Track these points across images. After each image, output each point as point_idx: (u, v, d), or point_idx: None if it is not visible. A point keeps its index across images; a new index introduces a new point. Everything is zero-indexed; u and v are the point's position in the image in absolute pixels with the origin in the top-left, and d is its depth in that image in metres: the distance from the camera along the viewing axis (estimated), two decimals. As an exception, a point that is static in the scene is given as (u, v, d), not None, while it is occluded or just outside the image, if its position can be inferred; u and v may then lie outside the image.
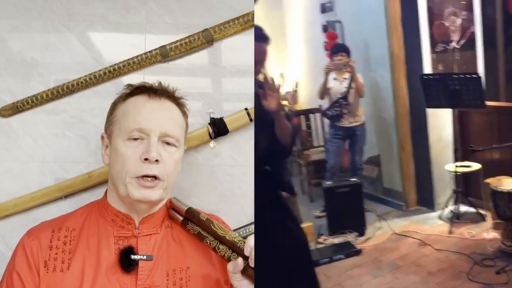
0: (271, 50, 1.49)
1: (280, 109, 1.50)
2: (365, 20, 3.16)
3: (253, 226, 1.47)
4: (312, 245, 2.63)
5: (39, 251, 1.08)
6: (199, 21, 1.53)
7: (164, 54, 1.51)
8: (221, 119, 1.48)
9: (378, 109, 3.24)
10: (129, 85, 1.19)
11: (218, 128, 1.47)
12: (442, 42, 2.89)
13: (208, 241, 1.11)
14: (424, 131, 2.97)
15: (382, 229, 2.83)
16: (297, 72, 3.87)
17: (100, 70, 1.49)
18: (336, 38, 3.38)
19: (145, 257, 1.10)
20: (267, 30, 1.47)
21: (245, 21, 1.53)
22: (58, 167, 1.47)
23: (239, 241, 1.07)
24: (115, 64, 1.49)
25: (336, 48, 3.08)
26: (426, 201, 3.05)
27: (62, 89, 1.48)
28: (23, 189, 1.44)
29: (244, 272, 1.03)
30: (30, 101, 1.46)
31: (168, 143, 1.12)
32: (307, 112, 3.54)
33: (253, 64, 1.55)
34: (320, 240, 2.75)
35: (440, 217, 2.87)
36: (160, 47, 1.51)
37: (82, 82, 1.48)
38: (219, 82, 1.56)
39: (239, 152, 1.52)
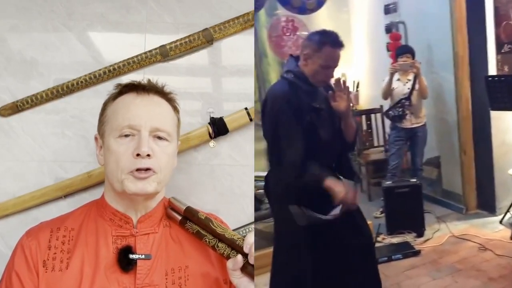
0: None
1: (349, 109, 1.54)
2: (429, 22, 3.12)
3: (252, 226, 1.47)
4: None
5: (38, 251, 1.08)
6: (199, 21, 1.53)
7: (164, 54, 1.51)
8: (221, 119, 1.48)
9: (440, 111, 3.18)
10: (118, 85, 1.19)
11: (218, 128, 1.47)
12: (508, 43, 2.79)
13: (207, 240, 1.10)
14: (487, 134, 2.88)
15: (440, 231, 2.78)
16: (359, 72, 3.83)
17: (100, 70, 1.49)
18: (399, 39, 3.34)
19: (143, 256, 1.09)
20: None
21: (245, 21, 1.53)
22: (58, 167, 1.47)
23: (238, 238, 1.07)
24: (115, 64, 1.49)
25: (402, 49, 3.04)
26: (487, 205, 2.96)
27: (62, 89, 1.48)
28: (23, 188, 1.44)
29: (244, 269, 1.03)
30: (29, 101, 1.46)
31: (159, 138, 1.12)
32: (368, 112, 3.50)
33: (253, 64, 1.56)
34: (379, 239, 2.72)
35: (501, 222, 2.78)
36: (160, 46, 1.51)
37: (82, 82, 1.48)
38: (219, 82, 1.56)
39: (239, 152, 1.52)
